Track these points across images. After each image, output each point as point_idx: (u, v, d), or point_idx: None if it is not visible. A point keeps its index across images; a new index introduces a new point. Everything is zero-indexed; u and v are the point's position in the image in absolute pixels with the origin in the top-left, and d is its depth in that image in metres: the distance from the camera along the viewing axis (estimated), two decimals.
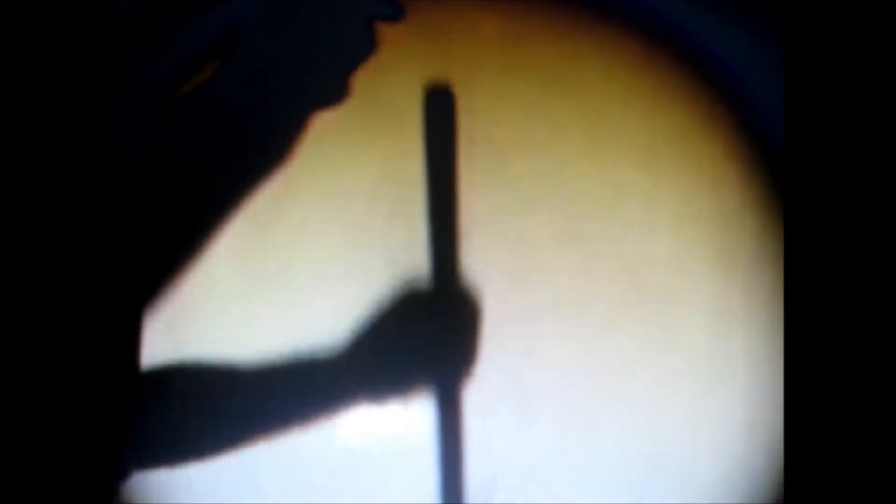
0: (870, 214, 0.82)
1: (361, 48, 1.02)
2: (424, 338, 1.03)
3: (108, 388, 0.95)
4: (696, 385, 1.07)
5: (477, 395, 1.05)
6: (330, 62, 1.01)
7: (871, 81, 0.83)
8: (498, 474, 1.04)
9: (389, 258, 1.05)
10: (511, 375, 1.05)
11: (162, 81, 1.01)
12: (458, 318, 1.03)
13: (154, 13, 1.00)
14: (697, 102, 1.09)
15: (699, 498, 1.05)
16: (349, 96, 1.02)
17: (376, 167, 1.06)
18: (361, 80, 1.02)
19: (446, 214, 1.04)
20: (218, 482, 1.03)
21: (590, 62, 1.09)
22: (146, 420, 1.00)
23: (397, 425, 1.04)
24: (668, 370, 1.06)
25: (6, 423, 0.87)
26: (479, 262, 1.06)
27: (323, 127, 1.03)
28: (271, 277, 1.05)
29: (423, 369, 1.03)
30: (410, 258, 1.05)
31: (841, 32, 0.83)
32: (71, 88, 0.90)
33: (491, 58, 1.08)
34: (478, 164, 1.07)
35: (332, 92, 1.02)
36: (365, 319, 1.03)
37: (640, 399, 1.06)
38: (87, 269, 0.93)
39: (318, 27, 1.01)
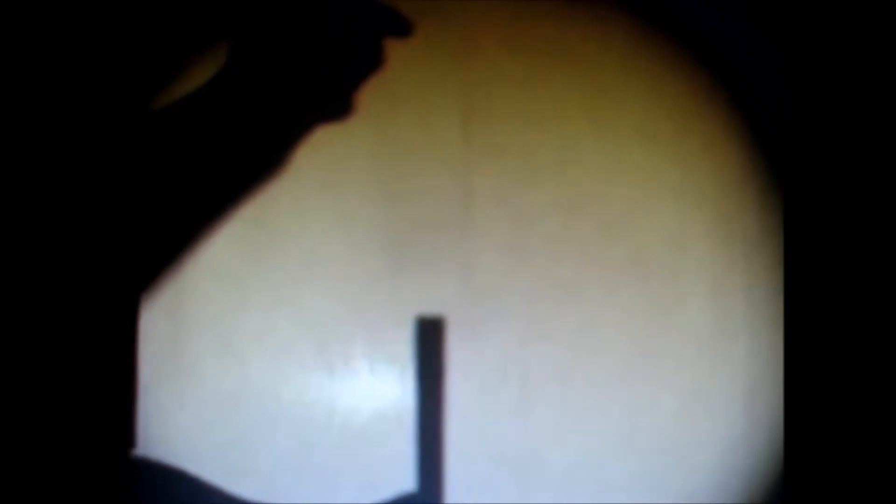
0: (870, 195, 0.81)
1: (368, 63, 1.01)
2: None
3: (107, 372, 0.95)
4: (696, 363, 1.06)
5: (476, 374, 1.04)
6: (336, 77, 1.00)
7: (868, 63, 0.82)
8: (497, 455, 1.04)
9: (384, 241, 1.05)
10: (510, 353, 1.05)
11: (158, 81, 1.00)
12: None
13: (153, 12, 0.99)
14: (696, 78, 1.09)
15: (700, 477, 1.05)
16: (354, 111, 1.01)
17: (372, 150, 1.05)
18: None
19: (433, 441, 1.03)
20: (215, 461, 1.03)
21: (588, 36, 1.08)
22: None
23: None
24: (668, 347, 1.06)
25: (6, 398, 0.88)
26: (478, 237, 1.05)
27: None
28: (267, 259, 1.05)
29: None
30: (405, 243, 1.05)
31: (840, 14, 0.83)
32: (72, 84, 0.90)
33: (490, 32, 1.07)
34: (477, 138, 1.06)
35: (338, 106, 1.01)
36: None
37: (640, 377, 1.05)
38: (86, 256, 0.93)
39: (326, 41, 0.99)
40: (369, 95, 1.05)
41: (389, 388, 1.04)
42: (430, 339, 1.04)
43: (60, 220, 0.91)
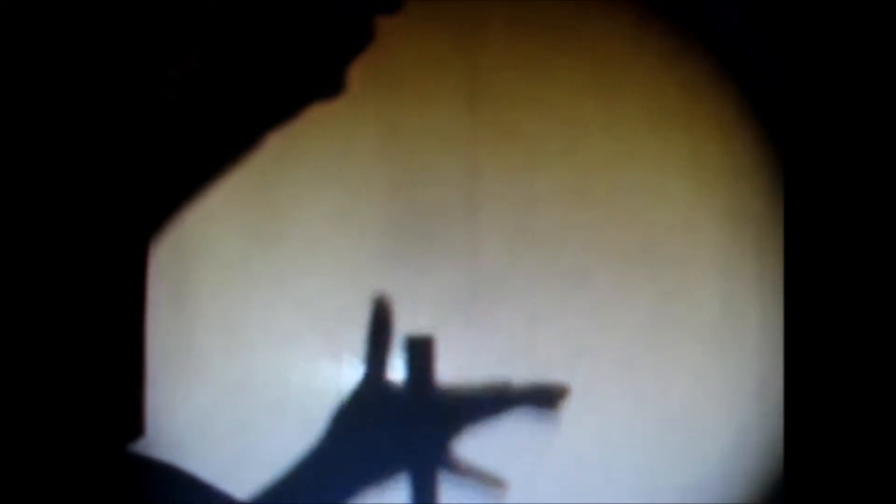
0: (873, 184, 0.80)
1: (358, 41, 0.99)
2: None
3: (114, 362, 0.95)
4: (706, 350, 1.06)
5: (483, 360, 1.04)
6: (327, 55, 0.98)
7: (870, 52, 0.81)
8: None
9: (390, 227, 1.04)
10: (517, 340, 1.04)
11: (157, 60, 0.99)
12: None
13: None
14: (706, 62, 1.07)
15: (709, 465, 1.05)
16: (345, 89, 1.00)
17: (377, 135, 1.04)
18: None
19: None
20: (222, 449, 1.03)
21: (596, 19, 1.07)
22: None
23: None
24: (676, 334, 1.05)
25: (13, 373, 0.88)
26: (484, 223, 1.04)
27: None
28: (273, 247, 1.04)
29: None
30: (411, 229, 1.04)
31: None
32: (71, 79, 0.89)
33: (497, 15, 1.05)
34: (483, 122, 1.05)
35: (329, 85, 0.99)
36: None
37: (648, 364, 1.05)
38: (90, 248, 0.92)
39: (316, 20, 0.97)
40: (373, 80, 1.03)
41: (396, 375, 1.04)
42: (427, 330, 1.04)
43: (64, 214, 0.91)
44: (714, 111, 1.07)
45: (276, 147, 1.03)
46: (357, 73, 1.02)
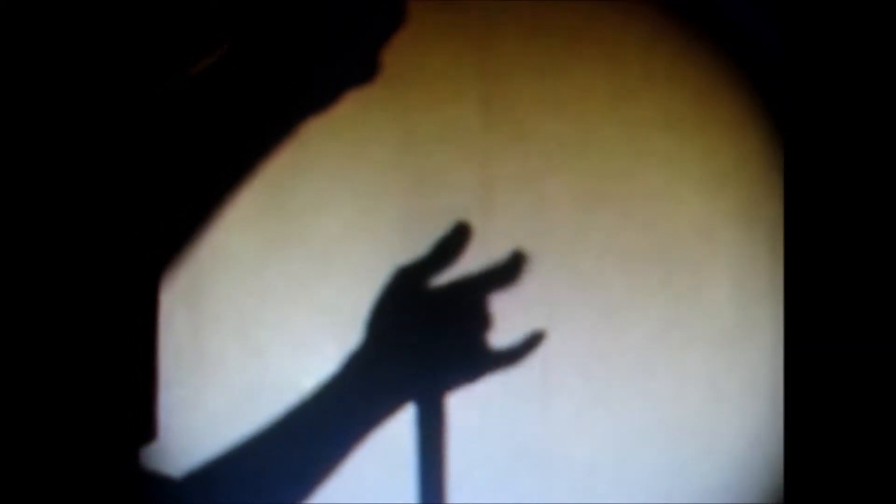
0: (876, 189, 0.80)
1: (391, 22, 0.97)
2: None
3: (127, 366, 0.95)
4: (720, 352, 1.05)
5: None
6: (359, 38, 0.96)
7: (886, 57, 0.81)
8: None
9: (404, 231, 1.04)
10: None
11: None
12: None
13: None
14: (719, 64, 1.07)
15: (724, 468, 1.05)
16: (380, 73, 0.98)
17: (391, 139, 1.04)
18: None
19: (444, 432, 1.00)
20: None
21: (610, 22, 1.07)
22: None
23: None
24: (691, 336, 1.05)
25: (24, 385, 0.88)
26: (499, 226, 1.04)
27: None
28: (287, 251, 1.04)
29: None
30: (425, 232, 1.04)
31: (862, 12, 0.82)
32: (71, 81, 0.89)
33: (511, 18, 1.06)
34: (497, 126, 1.05)
35: (363, 70, 0.97)
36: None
37: (662, 367, 1.05)
38: (102, 251, 0.92)
39: (346, 2, 0.97)
40: (387, 83, 1.03)
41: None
42: None
43: (73, 217, 0.91)
44: (728, 114, 1.07)
45: (290, 152, 1.03)
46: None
